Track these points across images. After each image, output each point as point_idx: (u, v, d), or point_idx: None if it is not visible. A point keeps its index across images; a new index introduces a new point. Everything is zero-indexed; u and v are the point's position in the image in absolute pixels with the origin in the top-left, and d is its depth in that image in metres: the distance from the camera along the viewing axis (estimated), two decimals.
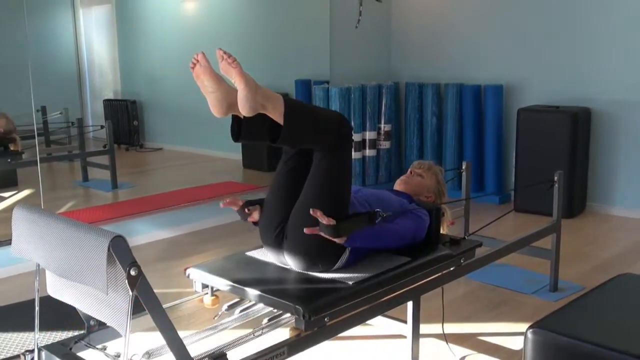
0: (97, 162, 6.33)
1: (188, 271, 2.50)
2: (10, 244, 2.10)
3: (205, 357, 1.98)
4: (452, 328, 3.16)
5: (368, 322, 2.77)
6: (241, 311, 2.46)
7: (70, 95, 7.42)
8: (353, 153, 5.72)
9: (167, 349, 1.85)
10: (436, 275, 2.65)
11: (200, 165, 7.14)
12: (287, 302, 2.17)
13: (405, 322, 2.80)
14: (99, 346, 2.21)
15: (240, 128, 2.27)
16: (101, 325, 2.21)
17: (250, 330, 2.26)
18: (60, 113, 6.64)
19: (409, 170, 3.04)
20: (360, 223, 2.35)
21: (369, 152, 5.93)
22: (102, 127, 6.60)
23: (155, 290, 1.78)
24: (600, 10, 5.22)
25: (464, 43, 6.06)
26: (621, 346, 1.86)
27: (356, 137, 5.79)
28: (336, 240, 2.26)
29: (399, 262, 2.51)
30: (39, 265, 2.06)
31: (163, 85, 7.57)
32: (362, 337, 3.10)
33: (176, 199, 5.43)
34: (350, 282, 2.31)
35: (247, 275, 2.43)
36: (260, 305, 2.40)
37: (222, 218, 5.10)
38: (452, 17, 6.13)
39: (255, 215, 2.52)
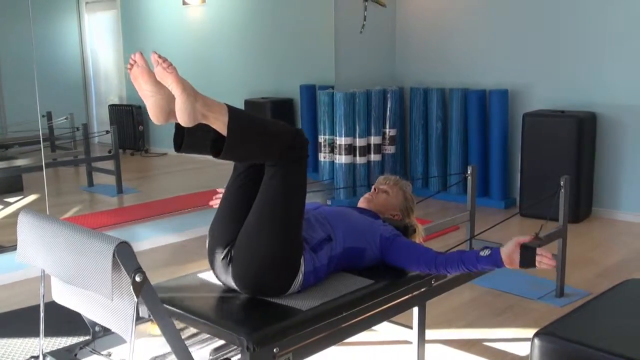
0: (102, 167, 6.34)
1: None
2: (15, 249, 2.10)
3: None
4: (458, 334, 3.15)
5: (373, 327, 2.75)
6: (186, 339, 2.22)
7: (75, 100, 7.45)
8: (358, 158, 5.78)
9: (172, 355, 1.84)
10: (402, 298, 2.43)
11: (205, 170, 7.14)
12: (230, 332, 1.96)
13: (411, 327, 2.79)
14: (104, 352, 2.20)
15: (183, 138, 2.07)
16: (106, 331, 2.21)
17: None
18: (65, 118, 6.67)
19: (373, 187, 2.86)
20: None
21: (373, 157, 5.92)
22: (107, 132, 6.62)
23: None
24: (606, 15, 5.21)
25: (468, 48, 6.06)
26: (628, 352, 1.85)
27: (361, 141, 5.79)
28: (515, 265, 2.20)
29: (360, 286, 2.30)
30: (44, 271, 2.06)
31: None
32: (368, 343, 3.09)
33: (181, 204, 5.43)
34: (304, 308, 2.10)
35: (194, 300, 2.22)
36: (206, 334, 2.22)
37: None
38: (457, 21, 6.12)
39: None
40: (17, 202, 5.67)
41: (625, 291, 2.39)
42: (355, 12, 6.12)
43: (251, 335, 1.91)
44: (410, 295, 2.48)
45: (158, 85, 1.96)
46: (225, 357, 2.09)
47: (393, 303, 2.39)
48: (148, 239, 4.74)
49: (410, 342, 2.82)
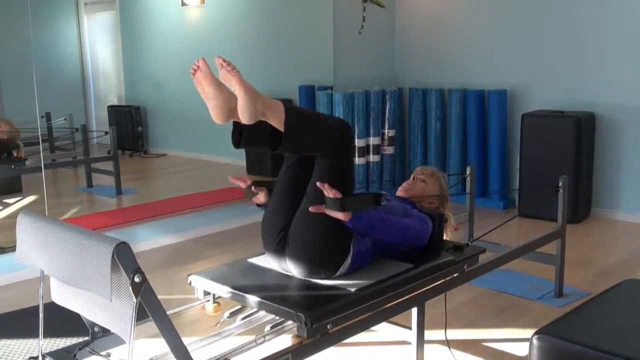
0: (101, 168, 6.34)
1: (190, 278, 2.49)
2: (14, 250, 2.10)
3: None
4: (456, 334, 3.16)
5: (372, 328, 2.76)
6: (243, 318, 2.45)
7: (74, 101, 7.44)
8: (357, 159, 5.78)
9: (171, 355, 1.85)
10: (439, 282, 2.62)
11: (204, 171, 7.14)
12: (289, 310, 2.15)
13: (409, 328, 2.79)
14: (103, 353, 2.20)
15: (241, 135, 2.28)
16: (105, 331, 2.21)
17: (252, 338, 2.25)
18: (64, 119, 6.66)
19: (412, 176, 3.01)
20: (366, 202, 2.32)
21: (372, 158, 5.92)
22: (106, 133, 6.62)
23: (159, 297, 1.77)
24: (605, 15, 5.22)
25: (467, 48, 6.06)
26: (627, 352, 1.85)
27: (360, 142, 5.79)
28: (340, 215, 2.22)
29: (401, 269, 2.49)
30: (43, 271, 2.06)
31: (167, 91, 7.59)
32: (367, 344, 3.09)
33: (180, 205, 5.42)
34: (353, 289, 2.30)
35: (249, 282, 2.41)
36: (262, 312, 2.39)
37: (226, 224, 5.09)
38: (456, 22, 6.13)
39: (261, 197, 2.51)
40: (16, 203, 5.67)
41: (624, 291, 2.39)
42: (354, 13, 6.12)
43: (309, 313, 2.11)
44: (444, 280, 2.65)
45: (219, 87, 2.15)
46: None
47: (431, 286, 2.59)
48: (147, 240, 4.74)
49: (409, 343, 2.82)
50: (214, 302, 2.46)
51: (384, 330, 3.01)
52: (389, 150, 6.06)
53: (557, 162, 5.12)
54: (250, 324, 2.44)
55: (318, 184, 2.23)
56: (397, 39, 6.55)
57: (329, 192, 2.21)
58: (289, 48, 6.78)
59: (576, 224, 5.10)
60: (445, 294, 2.81)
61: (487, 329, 3.27)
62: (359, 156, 5.80)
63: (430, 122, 6.12)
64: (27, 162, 5.78)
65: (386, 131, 6.03)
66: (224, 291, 2.37)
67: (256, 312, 2.43)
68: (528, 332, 2.52)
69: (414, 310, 2.67)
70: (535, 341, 2.00)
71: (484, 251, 2.86)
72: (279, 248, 2.40)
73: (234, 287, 2.35)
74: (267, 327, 2.33)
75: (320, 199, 2.29)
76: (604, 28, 5.23)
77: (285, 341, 2.22)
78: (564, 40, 5.45)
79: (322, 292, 2.31)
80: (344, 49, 6.09)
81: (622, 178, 5.31)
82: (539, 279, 3.87)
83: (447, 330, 3.02)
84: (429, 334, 2.88)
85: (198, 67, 2.15)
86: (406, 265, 2.52)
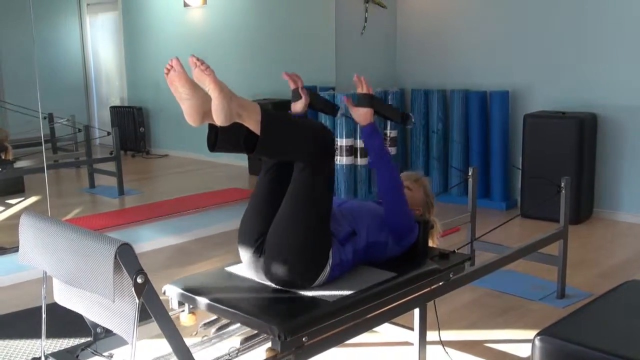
0: (104, 168, 6.35)
1: (164, 288, 2.40)
2: (17, 251, 2.11)
3: None
4: (458, 335, 3.16)
5: (375, 329, 2.76)
6: (218, 330, 2.38)
7: (77, 102, 7.45)
8: (359, 159, 5.77)
9: (174, 356, 1.85)
10: (424, 290, 2.54)
11: (206, 171, 7.15)
12: (262, 322, 2.07)
13: (412, 329, 2.79)
14: (106, 354, 2.20)
15: (217, 138, 2.19)
16: (108, 332, 2.21)
17: (226, 351, 2.18)
18: (67, 120, 6.67)
19: None
20: (394, 114, 2.43)
21: None
22: (108, 133, 6.62)
23: (161, 298, 1.78)
24: (607, 15, 5.21)
25: (469, 49, 6.06)
26: (629, 353, 1.85)
27: (362, 143, 5.78)
28: (364, 114, 2.44)
29: (383, 278, 2.40)
30: (45, 272, 2.06)
31: (169, 92, 7.54)
32: (369, 344, 3.09)
33: (182, 206, 5.43)
34: (331, 300, 2.21)
35: (224, 292, 2.32)
36: (238, 324, 2.31)
37: (228, 224, 5.10)
38: (458, 23, 6.13)
39: (299, 106, 2.60)
40: (18, 204, 5.68)
41: (626, 292, 2.39)
42: (356, 14, 6.13)
43: (282, 325, 2.01)
44: (429, 289, 2.58)
45: (194, 88, 2.06)
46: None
47: (413, 296, 2.50)
48: (150, 241, 4.75)
49: (412, 344, 2.82)
50: (190, 312, 2.36)
51: (386, 331, 3.01)
52: (391, 151, 6.05)
53: (559, 162, 5.11)
54: (225, 336, 2.38)
55: (355, 76, 2.19)
56: (399, 39, 6.55)
57: (363, 87, 2.18)
58: (290, 49, 6.78)
59: (578, 225, 5.10)
60: (435, 302, 2.75)
61: (489, 330, 3.27)
62: (361, 157, 5.80)
63: (432, 123, 6.12)
64: (27, 163, 5.79)
65: (388, 132, 6.01)
66: (197, 302, 2.29)
67: (230, 323, 2.35)
68: (530, 333, 2.52)
69: (416, 311, 2.66)
70: (537, 342, 2.00)
71: (470, 259, 2.78)
72: (256, 257, 2.32)
73: (208, 298, 2.26)
74: (241, 339, 2.26)
75: (298, 207, 2.23)
76: (606, 29, 5.22)
77: (259, 354, 2.16)
78: (566, 41, 5.44)
79: (298, 303, 2.21)
80: (345, 50, 6.09)
81: (624, 179, 5.30)
82: (541, 280, 3.87)
83: (450, 331, 3.02)
84: (431, 335, 2.88)
85: (171, 66, 2.06)
86: (389, 273, 2.44)
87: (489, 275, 3.04)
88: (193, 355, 1.87)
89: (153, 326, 1.83)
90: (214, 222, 5.14)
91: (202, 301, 2.27)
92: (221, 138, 2.18)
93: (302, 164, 2.24)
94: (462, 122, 5.92)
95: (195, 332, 2.40)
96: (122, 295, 1.77)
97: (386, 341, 3.11)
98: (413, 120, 2.42)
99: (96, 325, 2.20)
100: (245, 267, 2.40)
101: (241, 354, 2.22)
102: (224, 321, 2.38)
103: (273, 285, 2.33)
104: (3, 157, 5.81)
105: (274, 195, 2.32)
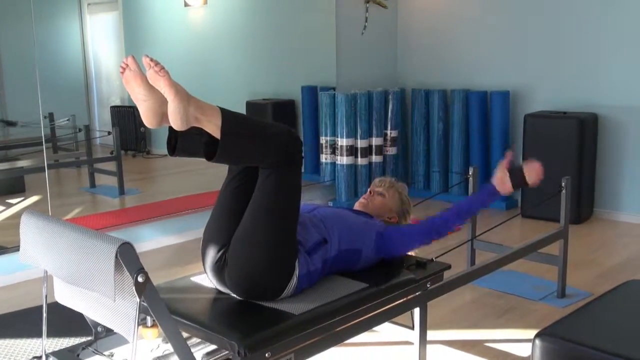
0: (104, 168, 6.35)
1: None
2: (18, 250, 2.11)
3: None
4: (459, 334, 3.16)
5: (375, 328, 2.75)
6: None
7: (77, 102, 7.46)
8: (359, 159, 5.78)
9: (175, 356, 1.85)
10: (398, 301, 2.43)
11: (207, 171, 7.13)
12: (222, 337, 1.95)
13: (412, 328, 2.79)
14: (106, 353, 2.21)
15: (177, 142, 2.08)
16: (108, 331, 2.21)
17: None
18: (67, 120, 6.67)
19: (369, 189, 2.84)
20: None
21: (375, 159, 5.92)
22: (109, 133, 6.63)
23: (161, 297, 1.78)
24: (607, 15, 5.21)
25: (470, 49, 6.06)
26: (630, 353, 1.85)
27: (362, 143, 5.79)
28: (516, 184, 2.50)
29: (354, 289, 2.29)
30: (46, 271, 2.06)
31: None
32: (369, 344, 3.09)
33: (183, 205, 5.43)
34: (297, 312, 2.09)
35: (186, 304, 2.21)
36: (198, 339, 2.19)
37: None
38: (458, 23, 6.13)
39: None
40: (19, 204, 5.68)
41: (627, 292, 2.39)
42: (356, 14, 6.13)
43: (242, 340, 1.90)
44: (404, 298, 2.46)
45: (151, 89, 1.94)
46: None
47: (386, 307, 2.38)
48: (150, 240, 4.75)
49: (412, 343, 2.82)
50: (152, 325, 2.22)
51: (386, 330, 3.01)
52: (391, 150, 6.06)
53: (559, 162, 5.11)
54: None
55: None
56: (399, 39, 6.55)
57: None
58: (291, 49, 6.78)
59: (579, 225, 5.10)
60: (412, 312, 2.67)
61: (490, 330, 3.27)
62: (361, 157, 5.80)
63: (432, 123, 6.12)
64: (30, 162, 5.79)
65: (389, 132, 6.03)
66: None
67: (190, 338, 2.21)
68: (531, 333, 2.52)
69: (417, 311, 2.66)
70: (537, 342, 2.00)
71: (448, 267, 2.67)
72: (218, 267, 2.21)
73: (169, 310, 2.03)
74: (202, 355, 2.17)
75: (262, 216, 2.13)
76: (607, 29, 5.22)
77: None
78: (566, 41, 5.44)
79: (262, 316, 2.09)
80: (346, 50, 6.09)
81: (624, 179, 5.30)
82: (542, 280, 3.87)
83: (451, 331, 3.02)
84: (431, 334, 2.89)
85: (127, 65, 1.94)
86: (360, 284, 2.33)
87: (490, 275, 3.04)
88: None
89: None
90: None
91: None
92: (181, 142, 2.08)
93: (266, 170, 2.13)
94: (462, 122, 5.92)
95: (157, 346, 2.24)
96: (123, 295, 1.77)
97: (386, 341, 3.11)
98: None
99: (97, 324, 2.21)
100: (210, 277, 2.29)
101: None
102: (184, 335, 2.24)
103: (238, 297, 2.22)
104: None
105: (239, 203, 2.20)
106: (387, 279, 2.41)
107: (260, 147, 2.08)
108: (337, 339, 2.26)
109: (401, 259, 2.61)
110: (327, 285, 2.30)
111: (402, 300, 2.45)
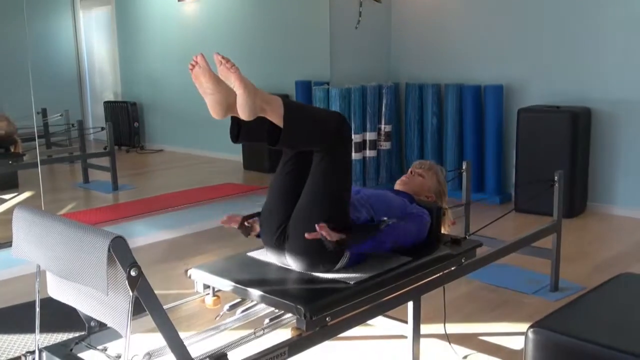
0: (98, 163, 6.34)
1: (189, 272, 2.50)
2: (10, 245, 2.10)
3: (206, 357, 1.98)
4: (453, 328, 3.16)
5: (369, 322, 2.77)
6: (242, 311, 2.46)
7: (70, 97, 7.44)
8: (353, 154, 5.78)
9: (168, 349, 1.85)
10: (437, 275, 2.64)
11: (200, 166, 7.15)
12: (288, 302, 2.17)
13: (406, 322, 2.80)
14: (100, 347, 2.20)
15: (240, 130, 2.29)
16: (102, 326, 2.21)
17: (251, 331, 2.27)
18: (60, 115, 6.66)
19: (410, 170, 3.03)
20: (364, 236, 2.39)
21: (369, 153, 5.93)
22: (102, 128, 6.62)
23: (155, 292, 1.78)
24: (600, 10, 5.22)
25: (464, 43, 6.06)
26: (622, 345, 1.86)
27: (356, 137, 5.79)
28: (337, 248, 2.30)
29: (400, 262, 2.51)
30: (39, 266, 2.06)
31: (163, 87, 7.58)
32: (363, 338, 3.10)
33: (177, 200, 5.43)
34: (351, 282, 2.32)
35: (249, 275, 2.43)
36: (262, 305, 2.40)
37: (222, 219, 5.09)
38: (452, 17, 6.13)
39: (257, 227, 2.55)
40: (12, 199, 5.67)
41: (619, 285, 2.40)
42: (350, 8, 6.12)
43: (308, 306, 2.13)
44: (442, 272, 2.67)
45: (217, 83, 2.14)
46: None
47: (429, 279, 2.61)
48: (144, 235, 4.75)
49: (405, 337, 2.83)
50: (214, 295, 2.48)
51: (380, 324, 3.02)
52: (385, 145, 6.06)
53: (553, 156, 5.13)
54: (249, 317, 2.46)
55: (317, 227, 2.23)
56: (393, 34, 6.55)
57: (328, 236, 2.23)
58: (285, 43, 6.78)
59: (572, 219, 5.11)
60: (444, 287, 2.83)
61: (483, 323, 3.28)
62: (355, 151, 5.80)
63: (426, 117, 6.13)
64: (24, 158, 5.78)
65: (383, 126, 6.03)
66: (223, 284, 2.39)
67: (255, 305, 2.45)
68: (524, 326, 2.53)
69: (410, 304, 2.68)
70: (530, 334, 2.01)
71: (480, 245, 2.87)
72: (279, 243, 2.42)
73: (233, 281, 2.36)
74: (266, 320, 2.35)
75: (319, 195, 2.32)
76: (600, 23, 5.23)
77: (284, 334, 2.24)
78: (560, 35, 5.45)
79: (321, 285, 2.33)
80: (340, 44, 6.09)
81: (618, 172, 5.32)
82: (535, 274, 3.88)
83: (444, 324, 3.03)
84: (425, 328, 2.90)
85: (196, 62, 2.14)
86: (404, 258, 2.54)
87: (483, 269, 3.05)
88: (194, 344, 1.88)
89: (147, 319, 1.83)
90: (208, 217, 5.14)
91: (229, 284, 2.37)
92: (244, 130, 2.28)
93: (320, 154, 2.33)
94: (456, 116, 5.93)
95: (219, 315, 2.50)
96: (116, 289, 1.77)
97: (380, 334, 3.12)
98: (386, 221, 2.46)
99: (90, 319, 2.20)
100: (268, 252, 2.51)
101: (266, 334, 2.31)
102: (249, 303, 2.46)
103: (295, 269, 2.43)
104: (13, 150, 5.82)
105: (294, 185, 2.40)
106: (427, 254, 2.63)
107: (317, 131, 2.32)
108: (387, 307, 2.49)
109: (438, 237, 2.79)
110: (376, 259, 2.52)
111: (440, 274, 2.67)
